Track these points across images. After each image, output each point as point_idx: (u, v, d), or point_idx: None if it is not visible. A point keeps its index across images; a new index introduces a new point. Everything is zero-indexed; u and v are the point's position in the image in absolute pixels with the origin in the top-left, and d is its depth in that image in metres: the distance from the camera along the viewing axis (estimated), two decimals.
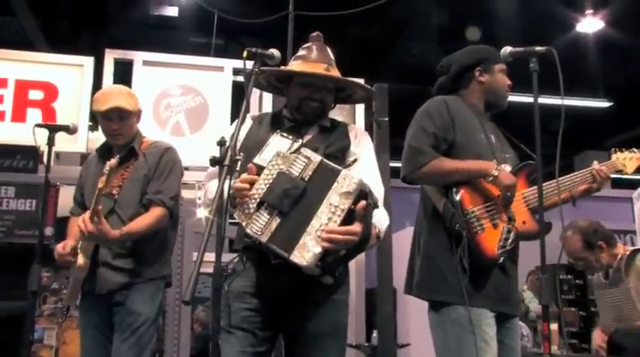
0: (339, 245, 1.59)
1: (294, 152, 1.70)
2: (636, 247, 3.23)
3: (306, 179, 1.63)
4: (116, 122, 2.53)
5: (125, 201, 2.48)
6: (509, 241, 2.05)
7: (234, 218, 1.70)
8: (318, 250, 1.56)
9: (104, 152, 2.65)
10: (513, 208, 2.11)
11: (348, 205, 1.58)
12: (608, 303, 3.20)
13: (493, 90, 2.28)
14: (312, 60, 1.96)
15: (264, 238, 1.61)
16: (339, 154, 1.90)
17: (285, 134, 1.79)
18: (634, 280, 3.05)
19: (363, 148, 1.98)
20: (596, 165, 2.33)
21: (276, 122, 1.98)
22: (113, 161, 2.23)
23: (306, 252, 1.57)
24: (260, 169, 1.70)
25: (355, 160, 1.90)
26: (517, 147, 2.34)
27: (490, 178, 2.06)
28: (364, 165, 1.92)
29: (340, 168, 1.65)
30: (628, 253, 3.11)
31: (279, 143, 1.76)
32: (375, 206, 1.68)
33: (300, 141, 1.81)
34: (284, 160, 1.68)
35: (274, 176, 1.65)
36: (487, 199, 2.09)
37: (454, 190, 2.08)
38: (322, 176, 1.63)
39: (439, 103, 2.20)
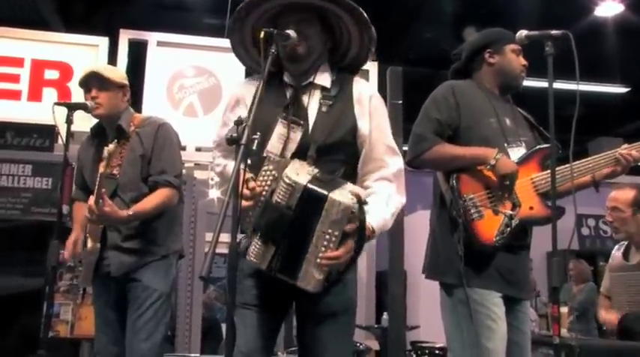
0: (338, 266, 1.70)
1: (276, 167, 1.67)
2: None
3: (293, 208, 1.64)
4: (94, 90, 2.51)
5: (125, 184, 2.47)
6: (510, 228, 2.07)
7: None
8: (321, 276, 1.67)
9: (97, 131, 2.64)
10: (520, 193, 2.12)
11: (339, 232, 1.65)
12: (625, 284, 3.14)
13: (504, 70, 2.28)
14: None
15: (263, 267, 1.69)
16: (348, 137, 1.83)
17: (284, 120, 1.79)
18: None
19: (372, 119, 1.87)
20: (624, 147, 2.28)
21: (278, 94, 1.86)
22: (111, 147, 2.23)
23: (311, 278, 1.67)
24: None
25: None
26: (538, 130, 2.32)
27: (488, 166, 2.08)
28: (374, 138, 1.85)
29: (326, 193, 1.63)
30: None
31: (280, 130, 1.79)
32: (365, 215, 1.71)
33: (300, 129, 1.78)
34: (275, 166, 1.68)
35: (262, 202, 1.66)
36: (489, 186, 2.11)
37: (454, 176, 2.11)
38: (309, 204, 1.64)
39: (445, 89, 2.22)
